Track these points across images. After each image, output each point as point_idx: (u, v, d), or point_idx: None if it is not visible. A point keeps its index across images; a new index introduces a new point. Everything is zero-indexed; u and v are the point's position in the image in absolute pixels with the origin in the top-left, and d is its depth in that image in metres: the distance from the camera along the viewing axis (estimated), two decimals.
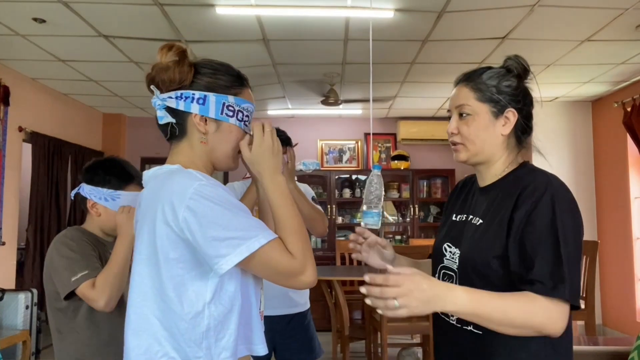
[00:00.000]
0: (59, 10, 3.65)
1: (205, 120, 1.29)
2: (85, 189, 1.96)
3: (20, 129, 5.17)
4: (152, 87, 1.30)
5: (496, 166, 1.44)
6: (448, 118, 1.49)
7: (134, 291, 1.25)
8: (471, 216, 1.46)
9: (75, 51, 4.57)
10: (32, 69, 5.11)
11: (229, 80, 1.32)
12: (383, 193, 1.85)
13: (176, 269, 1.19)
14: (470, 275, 1.38)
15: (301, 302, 2.78)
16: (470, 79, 1.44)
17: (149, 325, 1.21)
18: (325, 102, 5.78)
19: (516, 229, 1.29)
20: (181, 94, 1.28)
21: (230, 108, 1.30)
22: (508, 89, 1.40)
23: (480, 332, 1.33)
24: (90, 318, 1.89)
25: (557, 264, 1.23)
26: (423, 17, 3.86)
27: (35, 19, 3.83)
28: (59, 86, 5.77)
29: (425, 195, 7.33)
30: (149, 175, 1.33)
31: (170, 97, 1.29)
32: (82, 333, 1.88)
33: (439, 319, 1.48)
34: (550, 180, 1.33)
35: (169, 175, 1.23)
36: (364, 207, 1.88)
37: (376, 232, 1.89)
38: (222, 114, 1.29)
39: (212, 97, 1.29)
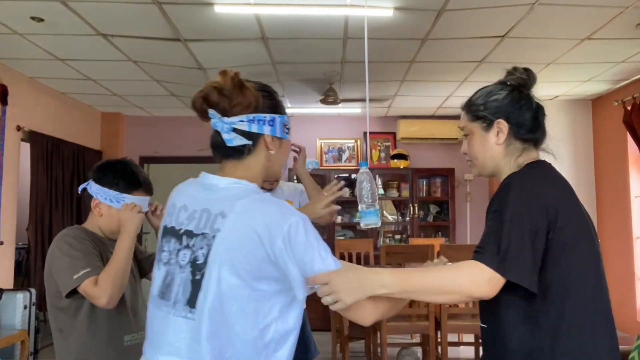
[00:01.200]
0: (57, 9, 3.64)
1: (272, 139, 1.40)
2: (93, 188, 1.98)
3: (19, 128, 5.16)
4: (211, 111, 1.36)
5: (504, 173, 1.55)
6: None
7: (209, 295, 1.26)
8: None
9: (73, 50, 4.56)
10: (31, 68, 5.10)
11: (281, 101, 1.47)
12: (376, 189, 1.85)
13: (260, 284, 1.27)
14: None
15: None
16: (466, 103, 1.65)
17: (225, 330, 1.25)
18: (325, 101, 5.76)
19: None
20: (254, 117, 1.38)
21: (287, 126, 1.45)
22: (495, 102, 1.57)
23: (485, 326, 1.47)
24: (92, 317, 1.89)
25: (488, 235, 1.37)
26: (422, 16, 3.84)
27: (33, 18, 3.81)
28: (58, 85, 5.76)
29: (424, 195, 7.32)
30: (216, 184, 1.40)
31: (242, 121, 1.36)
32: (83, 332, 1.88)
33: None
34: (514, 173, 1.48)
35: (260, 198, 1.34)
36: (361, 207, 1.87)
37: (375, 229, 1.89)
38: (283, 132, 1.44)
39: (277, 118, 1.42)
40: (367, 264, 6.16)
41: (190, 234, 1.34)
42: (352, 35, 4.24)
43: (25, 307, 4.05)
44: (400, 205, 7.45)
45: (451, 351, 4.56)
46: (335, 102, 5.75)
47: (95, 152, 6.82)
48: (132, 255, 1.92)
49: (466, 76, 5.41)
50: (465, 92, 6.02)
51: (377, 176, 7.30)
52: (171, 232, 1.40)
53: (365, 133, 7.56)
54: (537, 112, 1.58)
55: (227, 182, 1.39)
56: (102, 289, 1.79)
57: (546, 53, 4.65)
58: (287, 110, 5.87)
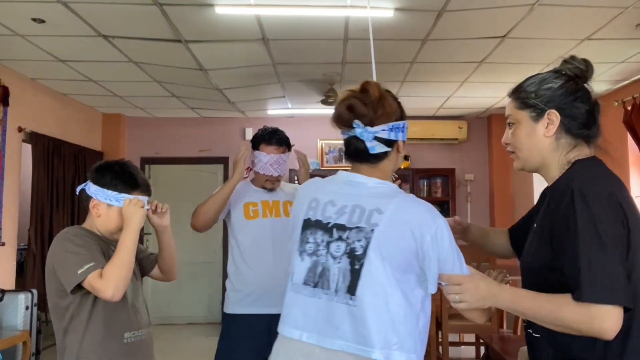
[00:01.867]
0: (58, 10, 3.65)
1: (403, 144, 1.57)
2: (92, 188, 1.98)
3: (20, 129, 5.17)
4: (356, 122, 1.50)
5: (552, 170, 1.47)
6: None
7: (369, 284, 1.39)
8: (535, 224, 1.52)
9: (74, 51, 4.57)
10: (32, 69, 5.11)
11: None
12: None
13: (407, 275, 1.41)
14: (531, 281, 1.45)
15: None
16: (514, 90, 1.53)
17: (388, 317, 1.38)
18: (325, 102, 5.77)
19: (550, 234, 1.37)
20: (392, 125, 1.51)
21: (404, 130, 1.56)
22: (548, 91, 1.45)
23: (538, 335, 1.42)
24: (92, 315, 1.90)
25: (577, 265, 1.25)
26: (423, 16, 3.85)
27: (34, 19, 3.82)
28: (59, 86, 5.77)
29: (425, 195, 7.32)
30: (364, 182, 1.54)
31: (384, 130, 1.49)
32: (83, 329, 1.89)
33: (525, 334, 1.53)
34: (574, 177, 1.36)
35: (411, 199, 1.50)
36: None
37: None
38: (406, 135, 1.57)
39: (405, 123, 1.56)
40: None
41: (342, 227, 1.46)
42: (353, 36, 4.25)
43: (27, 307, 4.05)
44: None
45: (452, 351, 4.56)
46: (335, 103, 5.75)
47: (96, 153, 6.83)
48: (136, 249, 1.92)
49: (466, 77, 5.41)
50: (466, 93, 6.04)
51: None
52: (316, 225, 1.51)
53: None
54: (594, 107, 1.47)
55: (374, 182, 1.53)
56: (107, 281, 1.79)
57: (546, 53, 4.65)
58: (288, 111, 5.91)
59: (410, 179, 7.19)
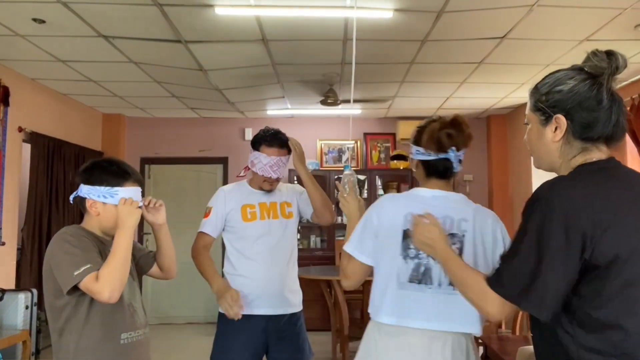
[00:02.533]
0: (59, 10, 3.66)
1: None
2: (84, 190, 1.97)
3: (20, 130, 5.17)
4: (452, 147, 1.88)
5: (562, 172, 1.41)
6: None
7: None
8: None
9: (74, 51, 4.58)
10: (32, 69, 5.12)
11: None
12: (358, 191, 1.95)
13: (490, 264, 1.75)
14: None
15: (295, 302, 2.80)
16: (532, 88, 1.49)
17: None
18: (325, 102, 5.78)
19: None
20: (464, 151, 1.91)
21: None
22: (558, 94, 1.40)
23: (532, 335, 1.47)
24: (89, 315, 1.90)
25: (509, 263, 1.36)
26: (422, 17, 3.86)
27: (34, 20, 3.83)
28: (59, 86, 5.78)
29: None
30: (445, 196, 1.90)
31: (462, 153, 1.90)
32: (80, 330, 1.89)
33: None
34: (546, 185, 1.34)
35: (481, 207, 1.91)
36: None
37: None
38: None
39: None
40: None
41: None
42: (352, 36, 4.26)
43: (26, 307, 4.07)
44: None
45: None
46: (335, 104, 5.76)
47: (96, 153, 6.83)
48: (131, 249, 1.92)
49: (466, 77, 5.42)
50: (465, 94, 6.05)
51: (377, 177, 7.32)
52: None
53: (365, 134, 7.58)
54: (611, 107, 1.38)
55: (452, 194, 1.90)
56: (103, 283, 1.79)
57: (545, 54, 4.66)
58: (287, 112, 5.91)
59: (409, 179, 7.21)
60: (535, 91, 1.46)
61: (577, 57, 4.75)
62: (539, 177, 6.41)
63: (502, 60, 4.83)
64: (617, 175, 1.36)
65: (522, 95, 6.11)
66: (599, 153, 1.38)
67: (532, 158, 1.53)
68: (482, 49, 4.54)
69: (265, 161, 2.70)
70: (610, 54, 1.43)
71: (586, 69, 1.43)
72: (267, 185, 2.78)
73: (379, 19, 3.83)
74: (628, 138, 5.50)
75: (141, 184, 2.07)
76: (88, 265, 1.82)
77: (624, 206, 1.28)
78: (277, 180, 2.79)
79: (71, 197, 2.05)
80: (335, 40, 4.36)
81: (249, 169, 2.81)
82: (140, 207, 2.00)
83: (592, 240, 1.23)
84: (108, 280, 1.80)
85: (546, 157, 1.45)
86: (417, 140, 2.02)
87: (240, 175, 2.90)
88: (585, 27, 4.03)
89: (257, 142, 2.76)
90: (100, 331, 1.90)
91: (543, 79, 1.47)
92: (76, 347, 1.88)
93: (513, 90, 5.94)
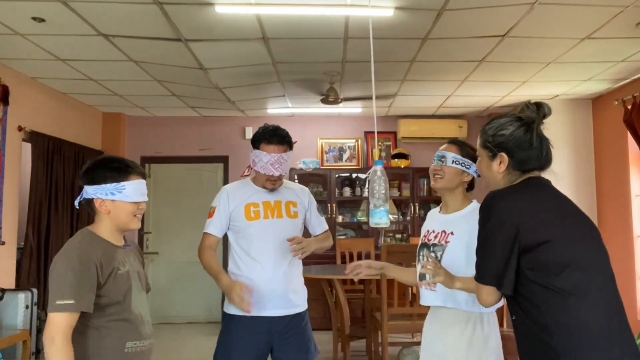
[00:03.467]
0: (59, 9, 3.65)
1: None
2: (89, 191, 1.96)
3: (20, 129, 5.17)
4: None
5: None
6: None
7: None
8: None
9: (74, 50, 4.57)
10: (32, 68, 5.11)
11: None
12: (388, 188, 1.89)
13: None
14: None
15: (299, 303, 2.78)
16: (482, 129, 1.91)
17: None
18: (325, 101, 5.77)
19: None
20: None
21: None
22: (501, 137, 1.83)
23: (514, 317, 1.78)
24: (95, 322, 1.89)
25: (477, 260, 1.79)
26: (423, 15, 3.85)
27: (34, 18, 3.82)
28: (59, 85, 5.77)
29: (425, 194, 7.33)
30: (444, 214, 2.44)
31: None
32: (84, 336, 1.88)
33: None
34: (488, 196, 1.77)
35: (467, 219, 2.35)
36: (371, 206, 1.89)
37: (376, 229, 1.94)
38: None
39: None
40: None
41: (434, 245, 2.33)
42: (353, 35, 4.25)
43: (27, 307, 4.06)
44: (401, 204, 7.46)
45: None
46: (335, 102, 5.75)
47: (96, 152, 6.82)
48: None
49: (467, 75, 5.41)
50: (466, 92, 6.04)
51: None
52: (424, 246, 2.39)
53: (366, 133, 7.56)
54: (541, 147, 1.81)
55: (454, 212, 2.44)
56: (60, 344, 1.78)
57: (546, 52, 4.65)
58: (288, 110, 5.92)
59: (410, 178, 7.20)
60: (484, 133, 1.88)
61: (578, 55, 4.76)
62: None
63: (503, 59, 4.82)
64: (536, 186, 1.80)
65: (523, 93, 6.10)
66: (534, 175, 1.83)
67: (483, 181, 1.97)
68: (484, 47, 4.53)
69: (266, 159, 2.66)
70: (539, 105, 1.82)
71: (522, 117, 1.83)
72: (270, 184, 2.74)
73: (380, 17, 3.82)
74: (630, 136, 5.49)
75: (144, 176, 2.06)
76: (72, 301, 1.79)
77: (537, 204, 1.74)
78: (280, 178, 2.75)
79: (76, 202, 2.03)
80: (335, 39, 4.35)
81: (251, 167, 2.79)
82: None
83: (522, 230, 1.67)
84: (63, 352, 1.78)
85: (493, 183, 1.87)
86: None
87: (245, 174, 2.88)
88: (586, 24, 4.02)
89: (257, 140, 2.72)
90: (105, 338, 1.89)
91: (489, 122, 1.89)
92: (79, 352, 1.87)
93: (514, 89, 5.93)
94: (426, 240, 2.36)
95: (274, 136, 2.69)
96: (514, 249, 1.66)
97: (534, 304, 1.66)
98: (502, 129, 1.83)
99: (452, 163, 2.34)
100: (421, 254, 2.35)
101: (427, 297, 2.34)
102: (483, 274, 1.74)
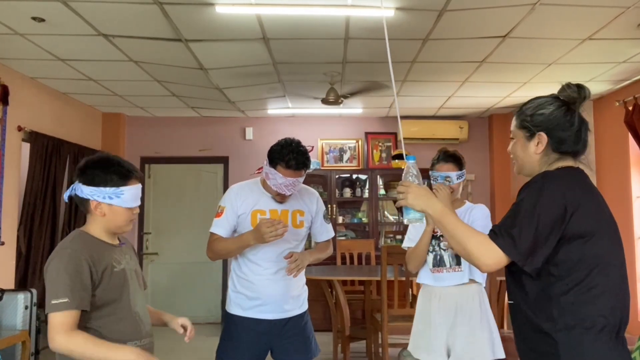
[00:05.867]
0: (58, 9, 3.64)
1: None
2: (85, 191, 1.93)
3: (20, 129, 5.16)
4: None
5: None
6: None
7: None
8: None
9: (74, 50, 4.56)
10: (32, 68, 5.10)
11: None
12: (422, 183, 1.86)
13: None
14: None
15: (299, 305, 2.78)
16: (518, 110, 1.85)
17: None
18: (326, 101, 5.76)
19: None
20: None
21: None
22: (541, 116, 1.77)
23: (512, 302, 1.76)
24: (95, 322, 1.88)
25: (505, 218, 1.67)
26: (424, 16, 3.84)
27: (34, 18, 3.81)
28: (59, 85, 5.76)
29: None
30: None
31: None
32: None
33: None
34: (539, 175, 1.71)
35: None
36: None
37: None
38: None
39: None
40: (367, 264, 6.16)
41: (442, 237, 2.71)
42: (353, 35, 4.24)
43: (26, 307, 4.04)
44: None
45: None
46: (336, 102, 5.74)
47: (96, 152, 6.79)
48: None
49: (467, 76, 5.40)
50: (467, 93, 6.03)
51: (378, 176, 7.30)
52: (434, 237, 2.78)
53: (366, 133, 7.56)
54: (580, 129, 1.75)
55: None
56: (66, 340, 1.78)
57: (547, 53, 4.64)
58: (288, 111, 5.91)
59: None
60: (521, 113, 1.83)
61: (579, 56, 4.76)
62: None
63: (504, 59, 4.81)
64: (582, 177, 1.75)
65: (524, 94, 6.09)
66: (571, 162, 1.77)
67: (514, 165, 1.89)
68: (484, 47, 4.52)
69: (281, 181, 2.57)
70: (580, 86, 1.77)
71: (561, 98, 1.78)
72: (280, 198, 2.69)
73: (380, 18, 3.81)
74: (631, 137, 5.48)
75: (142, 180, 2.04)
76: (65, 300, 1.78)
77: (586, 195, 1.68)
78: (290, 195, 2.69)
79: (65, 196, 2.00)
80: (336, 39, 4.34)
81: (262, 169, 2.72)
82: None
83: (572, 215, 1.61)
84: (71, 345, 1.78)
85: (528, 165, 1.82)
86: None
87: (256, 172, 2.85)
88: (587, 25, 4.01)
89: (275, 159, 2.58)
90: (105, 339, 1.88)
91: (526, 103, 1.84)
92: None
93: (515, 90, 5.92)
94: (434, 232, 2.79)
95: (292, 161, 2.54)
96: (556, 232, 1.61)
97: (547, 294, 1.63)
98: (541, 108, 1.78)
99: (457, 179, 2.81)
100: (432, 243, 2.81)
101: (453, 277, 2.78)
102: (508, 239, 1.61)
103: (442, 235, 2.76)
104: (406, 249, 2.96)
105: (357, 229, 7.42)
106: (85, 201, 1.95)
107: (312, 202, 2.85)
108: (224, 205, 2.72)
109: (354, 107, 6.88)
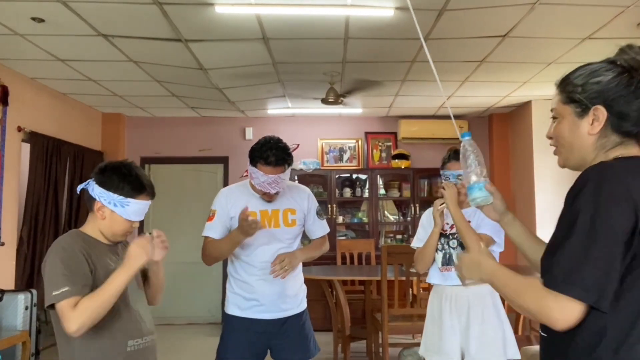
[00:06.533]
0: (58, 9, 3.64)
1: None
2: (96, 190, 1.94)
3: (20, 129, 5.16)
4: None
5: None
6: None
7: None
8: None
9: (74, 51, 4.56)
10: (31, 68, 5.10)
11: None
12: (482, 160, 1.72)
13: None
14: None
15: (297, 305, 2.79)
16: (561, 81, 1.43)
17: None
18: (326, 101, 5.76)
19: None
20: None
21: None
22: (597, 85, 1.34)
23: (545, 335, 1.35)
24: (96, 323, 1.87)
25: (559, 254, 1.21)
26: (423, 16, 3.84)
27: (34, 19, 3.81)
28: (58, 86, 5.76)
29: (426, 195, 7.31)
30: None
31: None
32: (85, 336, 1.86)
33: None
34: (592, 169, 1.28)
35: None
36: (471, 179, 1.70)
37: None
38: None
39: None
40: (368, 264, 6.16)
41: (452, 234, 2.77)
42: (353, 35, 4.24)
43: (26, 307, 4.04)
44: (401, 205, 7.45)
45: None
46: (336, 102, 5.74)
47: (96, 152, 6.81)
48: (122, 290, 1.86)
49: (467, 76, 5.40)
50: (467, 92, 6.03)
51: (378, 176, 7.30)
52: (442, 235, 2.78)
53: (366, 133, 7.55)
54: None
55: None
56: (77, 314, 1.76)
57: (547, 53, 4.64)
58: (288, 111, 5.93)
59: (411, 179, 7.19)
60: (568, 83, 1.40)
61: (578, 56, 4.75)
62: (541, 177, 6.39)
63: (504, 59, 4.81)
64: None
65: (524, 93, 6.09)
66: (635, 149, 1.34)
67: (557, 157, 1.46)
68: (484, 47, 4.52)
69: (263, 179, 2.57)
70: None
71: (620, 63, 1.36)
72: (267, 197, 2.68)
73: (380, 18, 3.81)
74: None
75: (153, 196, 2.03)
76: (67, 288, 1.78)
77: None
78: (277, 193, 2.68)
79: (79, 188, 2.01)
80: (336, 39, 4.34)
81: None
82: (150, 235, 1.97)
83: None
84: (84, 314, 1.76)
85: (578, 152, 1.38)
86: None
87: (244, 175, 2.86)
88: (587, 25, 4.01)
89: (254, 157, 2.60)
90: (107, 338, 1.88)
91: (574, 71, 1.41)
92: (81, 352, 1.87)
93: (515, 89, 5.92)
94: (443, 231, 2.77)
95: (270, 157, 2.54)
96: (627, 247, 1.18)
97: (595, 329, 1.21)
98: (596, 75, 1.35)
99: None
100: (441, 242, 2.79)
101: None
102: (573, 280, 1.17)
103: (451, 234, 2.75)
104: (415, 249, 2.93)
105: (357, 229, 7.42)
106: (92, 199, 1.96)
107: (303, 199, 2.82)
108: (215, 208, 2.75)
109: (354, 107, 6.88)
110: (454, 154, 2.75)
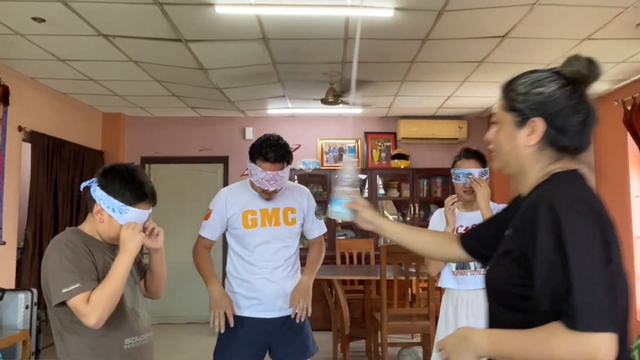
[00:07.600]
0: (59, 9, 3.65)
1: None
2: (97, 192, 1.94)
3: (20, 129, 5.16)
4: None
5: (529, 179, 1.35)
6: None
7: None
8: (510, 229, 1.35)
9: (74, 50, 4.57)
10: (32, 68, 5.11)
11: None
12: (358, 179, 1.77)
13: None
14: (492, 299, 1.34)
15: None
16: (506, 85, 1.39)
17: None
18: (325, 102, 5.77)
19: (523, 255, 1.23)
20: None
21: None
22: (538, 97, 1.29)
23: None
24: None
25: (570, 286, 1.11)
26: (423, 16, 3.85)
27: (34, 18, 3.82)
28: (59, 85, 5.77)
29: (425, 195, 7.32)
30: None
31: None
32: (82, 335, 1.87)
33: None
34: (554, 192, 1.21)
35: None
36: (338, 193, 1.77)
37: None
38: None
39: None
40: (367, 263, 6.17)
41: None
42: (353, 35, 4.25)
43: (26, 307, 4.06)
44: (401, 205, 7.46)
45: None
46: (335, 102, 5.75)
47: (96, 152, 6.82)
48: (128, 275, 1.89)
49: (466, 76, 5.41)
50: (466, 93, 6.04)
51: (377, 176, 7.31)
52: None
53: (366, 133, 7.56)
54: (587, 118, 1.31)
55: None
56: (94, 308, 1.77)
57: (546, 53, 4.65)
58: (288, 111, 5.93)
59: (410, 179, 7.20)
60: (510, 90, 1.36)
61: (583, 55, 4.64)
62: None
63: (503, 59, 4.82)
64: (590, 186, 1.33)
65: None
66: (571, 163, 1.33)
67: (493, 160, 1.44)
68: (483, 48, 4.53)
69: (262, 175, 2.59)
70: (591, 61, 1.30)
71: (565, 74, 1.31)
72: (265, 195, 2.70)
73: (380, 18, 3.82)
74: (629, 137, 5.49)
75: (155, 204, 2.03)
76: (77, 285, 1.79)
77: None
78: (276, 191, 2.69)
79: (82, 185, 2.01)
80: (336, 39, 4.35)
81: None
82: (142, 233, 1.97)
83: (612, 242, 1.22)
84: (99, 306, 1.77)
85: (515, 162, 1.35)
86: None
87: (245, 174, 2.88)
88: (586, 25, 4.02)
89: (253, 154, 2.63)
90: (104, 337, 1.89)
91: (519, 77, 1.37)
92: (78, 351, 1.87)
93: None
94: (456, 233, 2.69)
95: (269, 153, 2.57)
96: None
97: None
98: (539, 85, 1.30)
99: (480, 177, 2.74)
100: None
101: (477, 281, 2.67)
102: (594, 316, 1.09)
103: None
104: None
105: (357, 229, 7.39)
106: (92, 200, 1.96)
107: (302, 198, 2.85)
108: (212, 208, 2.78)
109: (353, 107, 6.89)
110: (465, 153, 2.77)
